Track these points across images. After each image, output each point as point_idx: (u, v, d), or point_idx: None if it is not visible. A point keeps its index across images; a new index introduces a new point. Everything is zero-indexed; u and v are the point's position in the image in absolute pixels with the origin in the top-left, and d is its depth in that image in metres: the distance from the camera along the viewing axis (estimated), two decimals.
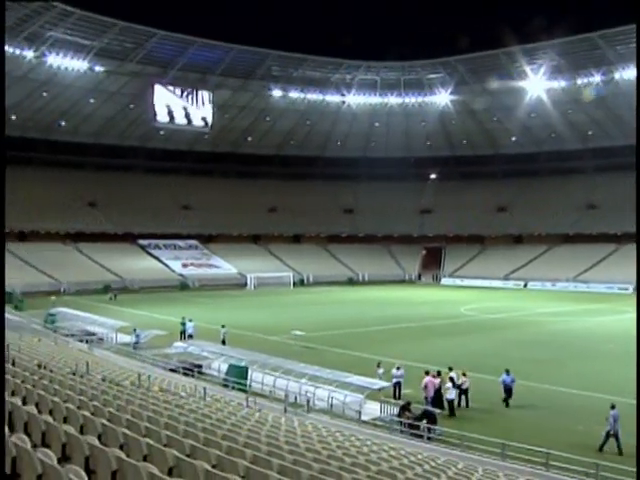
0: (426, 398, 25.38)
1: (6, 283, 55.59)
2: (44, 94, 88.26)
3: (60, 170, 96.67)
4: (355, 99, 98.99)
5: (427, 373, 26.39)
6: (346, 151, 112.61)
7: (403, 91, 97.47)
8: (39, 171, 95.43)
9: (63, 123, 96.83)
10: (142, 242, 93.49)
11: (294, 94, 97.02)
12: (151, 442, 9.30)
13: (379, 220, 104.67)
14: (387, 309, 61.41)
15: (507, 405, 25.94)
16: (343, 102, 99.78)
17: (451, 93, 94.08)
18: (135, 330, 40.49)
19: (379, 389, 25.91)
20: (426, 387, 25.66)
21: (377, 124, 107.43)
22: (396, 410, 23.81)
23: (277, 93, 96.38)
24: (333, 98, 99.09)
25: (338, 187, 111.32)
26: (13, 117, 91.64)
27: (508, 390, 26.26)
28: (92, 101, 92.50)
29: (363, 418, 23.86)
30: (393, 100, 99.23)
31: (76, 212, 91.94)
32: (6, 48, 76.13)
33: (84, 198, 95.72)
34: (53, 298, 59.56)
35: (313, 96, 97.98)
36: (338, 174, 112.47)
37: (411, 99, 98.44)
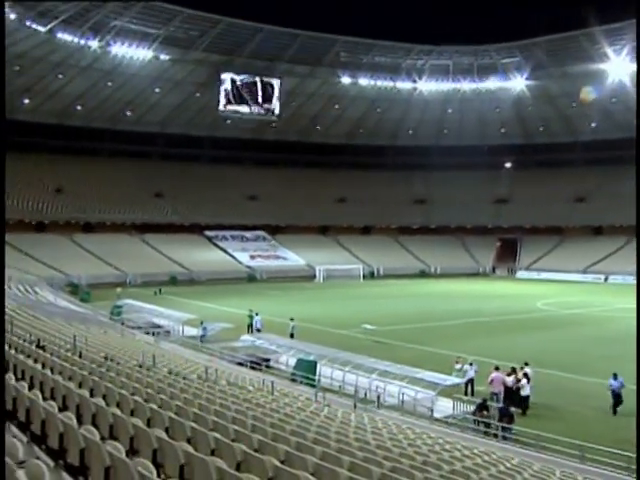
0: (493, 394, 25.09)
1: (73, 274, 57.03)
2: (109, 84, 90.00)
3: (126, 160, 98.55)
4: (427, 85, 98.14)
5: (497, 369, 26.07)
6: (417, 139, 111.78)
7: (477, 76, 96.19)
8: (105, 162, 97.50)
9: (128, 113, 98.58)
10: (209, 233, 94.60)
11: (364, 81, 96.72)
12: (219, 436, 9.41)
13: (452, 211, 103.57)
14: (460, 303, 60.81)
15: (615, 413, 24.94)
16: (414, 88, 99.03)
17: (527, 78, 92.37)
18: (202, 323, 41.00)
19: (451, 385, 25.71)
20: (492, 382, 25.36)
21: (450, 111, 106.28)
22: (469, 408, 23.59)
23: (346, 80, 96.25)
24: (404, 84, 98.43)
25: (409, 177, 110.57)
26: (79, 107, 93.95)
27: (617, 396, 25.00)
28: (157, 90, 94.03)
29: (435, 415, 23.70)
30: (466, 86, 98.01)
31: (142, 203, 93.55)
32: (71, 38, 78.04)
33: (150, 189, 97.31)
34: (119, 290, 60.76)
35: (383, 83, 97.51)
36: (409, 163, 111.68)
37: (485, 84, 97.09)
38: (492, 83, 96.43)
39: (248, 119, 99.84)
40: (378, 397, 24.22)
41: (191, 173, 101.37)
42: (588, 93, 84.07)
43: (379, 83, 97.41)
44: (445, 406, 24.75)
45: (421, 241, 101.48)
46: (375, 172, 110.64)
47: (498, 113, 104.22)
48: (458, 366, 28.00)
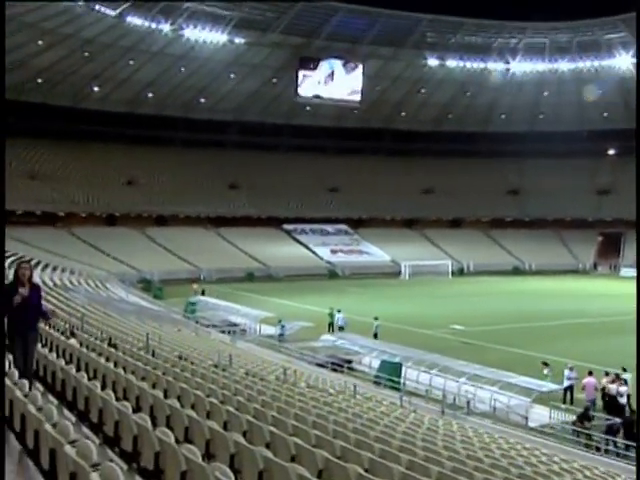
0: (588, 401, 24.66)
1: (145, 270, 58.26)
2: (182, 70, 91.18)
3: (199, 150, 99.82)
4: (520, 66, 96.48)
5: (590, 373, 25.58)
6: (511, 125, 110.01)
7: (576, 55, 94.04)
8: (177, 152, 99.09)
9: (202, 100, 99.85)
10: (287, 227, 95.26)
11: (452, 62, 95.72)
12: (299, 442, 9.46)
13: (548, 202, 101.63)
14: (557, 302, 59.71)
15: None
16: (507, 70, 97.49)
17: (634, 55, 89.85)
18: (280, 321, 41.37)
19: (548, 392, 25.31)
20: (584, 388, 24.94)
21: (546, 94, 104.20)
22: (568, 417, 23.16)
23: (433, 62, 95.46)
24: (496, 66, 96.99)
25: (502, 165, 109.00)
26: (150, 95, 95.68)
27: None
28: (232, 76, 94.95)
29: (530, 424, 23.36)
30: (564, 66, 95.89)
31: (217, 195, 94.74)
32: (141, 22, 79.25)
33: (225, 180, 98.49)
34: (196, 286, 61.60)
35: (473, 64, 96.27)
36: (502, 151, 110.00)
37: (585, 64, 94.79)
38: (594, 62, 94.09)
39: (328, 105, 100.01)
40: (468, 403, 24.04)
41: (268, 163, 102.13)
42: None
43: (468, 65, 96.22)
44: (541, 414, 24.40)
45: (515, 235, 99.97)
46: (465, 160, 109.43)
47: (600, 95, 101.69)
48: (546, 371, 27.58)
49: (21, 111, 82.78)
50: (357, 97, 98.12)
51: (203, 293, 57.38)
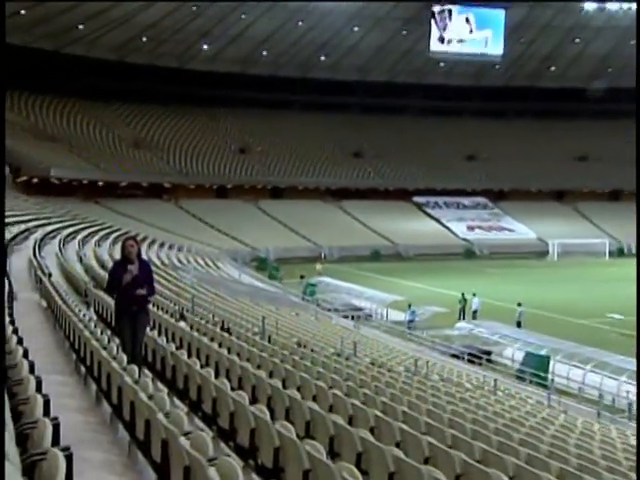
0: None
1: (259, 247, 59.27)
2: (299, 24, 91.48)
3: (319, 114, 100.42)
4: None
5: None
6: None
7: None
8: (295, 116, 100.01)
9: (322, 58, 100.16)
10: (418, 200, 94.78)
11: (614, 5, 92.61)
12: (433, 441, 9.46)
13: None
14: None
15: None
16: None
17: None
18: (410, 306, 41.38)
19: None
20: None
21: None
22: None
23: (590, 5, 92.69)
24: None
25: None
26: (264, 53, 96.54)
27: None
28: (356, 29, 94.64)
29: None
30: None
31: (339, 164, 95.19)
32: None
33: (348, 147, 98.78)
34: (319, 266, 62.10)
35: None
36: None
37: None
38: None
39: (465, 61, 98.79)
40: (629, 405, 23.48)
41: (396, 128, 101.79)
42: None
43: (634, 7, 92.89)
44: None
45: None
46: (625, 123, 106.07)
47: None
48: None
49: (124, 73, 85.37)
50: (498, 51, 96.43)
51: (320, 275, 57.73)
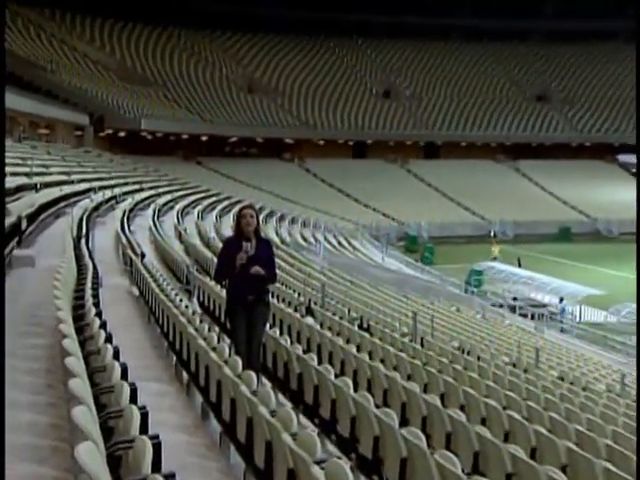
0: None
1: (408, 221, 59.42)
2: None
3: (489, 44, 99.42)
4: None
5: None
6: None
7: None
8: (454, 47, 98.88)
9: None
10: (624, 158, 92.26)
11: None
12: None
13: None
14: None
15: None
16: None
17: None
18: (562, 300, 40.94)
19: None
20: None
21: None
22: None
23: None
24: None
25: None
26: None
27: None
28: None
29: None
30: None
31: (515, 111, 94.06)
32: None
33: (528, 88, 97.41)
34: (496, 249, 61.45)
35: None
36: None
37: None
38: None
39: None
40: None
41: (596, 61, 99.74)
42: None
43: None
44: None
45: None
46: None
47: None
48: None
49: None
50: None
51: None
